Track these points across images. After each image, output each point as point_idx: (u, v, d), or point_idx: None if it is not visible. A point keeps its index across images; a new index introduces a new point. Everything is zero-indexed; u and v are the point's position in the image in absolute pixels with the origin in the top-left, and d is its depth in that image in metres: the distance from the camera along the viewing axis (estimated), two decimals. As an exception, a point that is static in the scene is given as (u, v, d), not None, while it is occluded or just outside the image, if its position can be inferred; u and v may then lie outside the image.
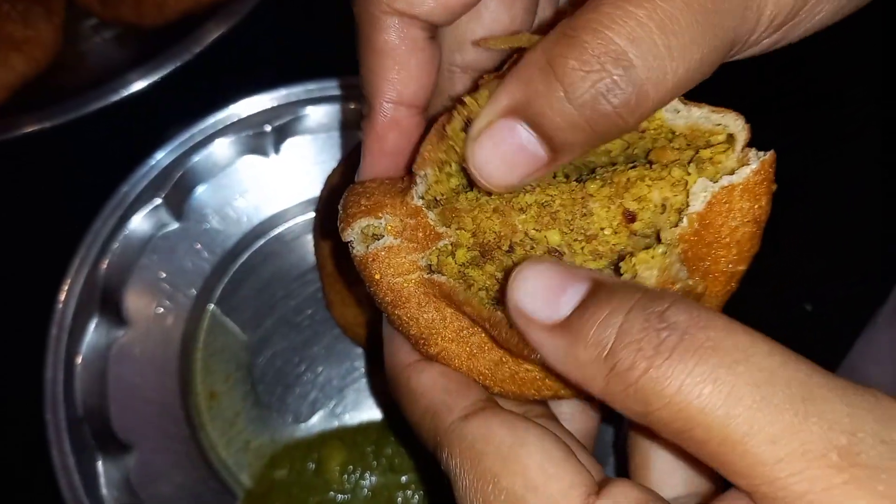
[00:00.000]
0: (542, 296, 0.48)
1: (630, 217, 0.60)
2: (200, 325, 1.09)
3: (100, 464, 0.99)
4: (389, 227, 0.59)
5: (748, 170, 0.55)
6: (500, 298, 0.57)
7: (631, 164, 0.61)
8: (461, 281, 0.59)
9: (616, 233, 0.60)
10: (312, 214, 1.12)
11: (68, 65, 1.23)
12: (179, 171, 1.09)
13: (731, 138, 0.57)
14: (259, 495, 1.02)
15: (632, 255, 0.56)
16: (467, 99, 0.56)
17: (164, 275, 1.09)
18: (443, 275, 0.59)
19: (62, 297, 1.01)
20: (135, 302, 1.07)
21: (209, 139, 1.10)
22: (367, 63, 0.60)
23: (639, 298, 0.44)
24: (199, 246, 1.11)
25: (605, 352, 0.43)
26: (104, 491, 0.98)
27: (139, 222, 1.08)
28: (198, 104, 1.11)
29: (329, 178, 1.08)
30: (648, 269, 0.55)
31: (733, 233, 0.56)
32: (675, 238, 0.56)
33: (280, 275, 1.12)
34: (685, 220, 0.56)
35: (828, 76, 1.28)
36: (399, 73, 0.60)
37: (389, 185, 0.63)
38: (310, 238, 1.11)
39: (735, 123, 0.57)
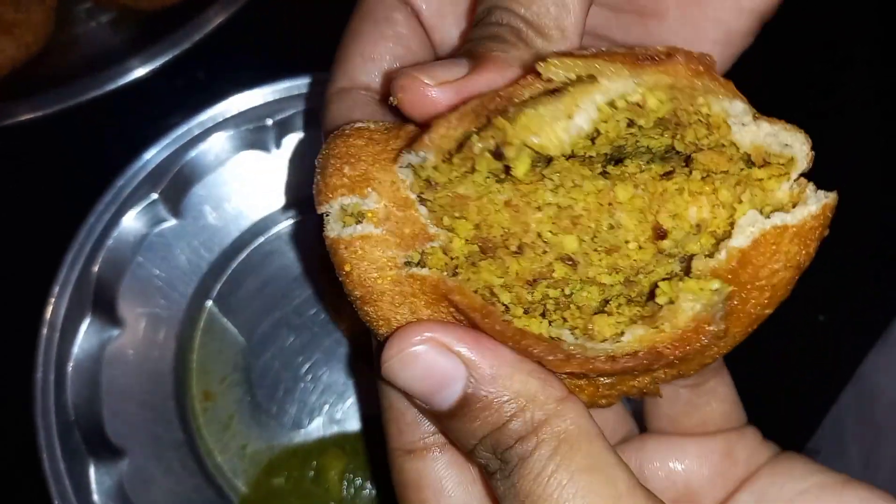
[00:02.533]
0: (424, 386, 0.51)
1: (661, 234, 0.54)
2: (196, 325, 1.06)
3: (92, 470, 0.96)
4: (371, 215, 0.52)
5: (807, 211, 0.50)
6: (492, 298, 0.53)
7: (667, 170, 0.55)
8: (450, 274, 0.53)
9: (641, 248, 0.55)
10: (315, 212, 1.08)
11: (61, 50, 1.18)
12: (176, 165, 1.05)
13: (790, 162, 0.52)
14: (256, 502, 0.99)
15: (679, 278, 0.52)
16: (503, 125, 0.50)
17: (160, 273, 1.05)
18: (426, 268, 0.53)
19: (53, 296, 0.97)
20: (129, 302, 1.03)
21: (207, 133, 1.06)
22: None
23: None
24: (196, 244, 1.07)
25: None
26: (96, 497, 0.95)
27: (134, 219, 1.04)
28: (196, 95, 1.07)
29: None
30: (693, 301, 0.51)
31: (772, 276, 0.51)
32: (708, 270, 0.51)
33: (280, 274, 1.09)
34: (724, 252, 0.51)
35: (841, 85, 1.26)
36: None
37: (380, 145, 0.56)
38: (311, 236, 1.08)
39: (801, 148, 0.51)
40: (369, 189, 0.54)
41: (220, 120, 1.06)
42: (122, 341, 1.02)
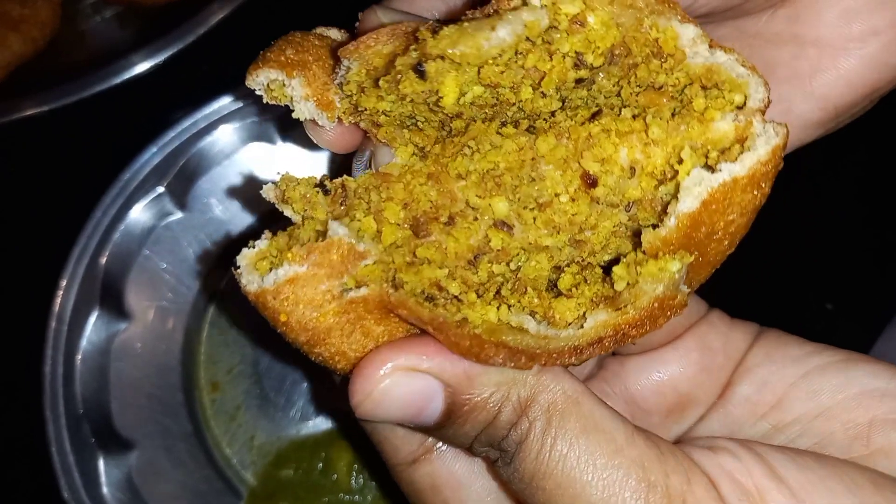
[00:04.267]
0: (405, 414, 0.51)
1: (591, 181, 0.52)
2: (204, 317, 1.06)
3: (101, 462, 0.96)
4: (291, 256, 0.48)
5: (755, 157, 0.47)
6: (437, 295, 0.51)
7: (593, 111, 0.52)
8: (390, 286, 0.50)
9: (574, 200, 0.53)
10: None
11: (67, 45, 1.18)
12: (182, 158, 1.05)
13: (738, 93, 0.49)
14: (264, 495, 0.99)
15: (638, 264, 0.49)
16: (426, 35, 0.47)
17: (167, 266, 1.05)
18: (366, 286, 0.49)
19: (61, 289, 0.97)
20: (136, 294, 1.03)
21: (213, 126, 1.06)
22: None
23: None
24: (202, 236, 1.07)
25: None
26: (105, 490, 0.95)
27: (141, 212, 1.04)
28: (202, 89, 1.06)
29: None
30: (655, 283, 0.49)
31: (728, 226, 0.49)
32: (660, 241, 0.48)
33: (286, 267, 1.08)
34: (673, 219, 0.48)
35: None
36: None
37: (325, 51, 0.54)
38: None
39: (756, 85, 0.49)
40: (299, 74, 0.52)
41: (226, 113, 1.06)
42: (129, 334, 1.02)
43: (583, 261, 0.54)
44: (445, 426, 0.51)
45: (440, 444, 0.57)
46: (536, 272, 0.53)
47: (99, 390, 0.99)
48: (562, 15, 0.47)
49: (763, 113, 0.49)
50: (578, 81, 0.50)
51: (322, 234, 0.49)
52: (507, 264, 0.53)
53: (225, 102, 1.05)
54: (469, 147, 0.53)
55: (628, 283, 0.49)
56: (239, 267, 0.50)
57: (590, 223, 0.53)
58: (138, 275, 1.04)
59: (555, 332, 0.50)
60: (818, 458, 0.51)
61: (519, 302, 0.51)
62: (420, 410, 0.50)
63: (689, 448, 0.51)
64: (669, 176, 0.50)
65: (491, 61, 0.47)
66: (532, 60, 0.48)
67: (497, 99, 0.51)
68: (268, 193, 0.52)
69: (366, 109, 0.53)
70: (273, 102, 0.53)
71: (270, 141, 1.09)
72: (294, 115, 0.54)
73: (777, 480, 0.48)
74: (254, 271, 0.50)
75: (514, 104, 0.52)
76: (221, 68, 1.11)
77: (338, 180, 0.51)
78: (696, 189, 0.47)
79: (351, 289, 0.49)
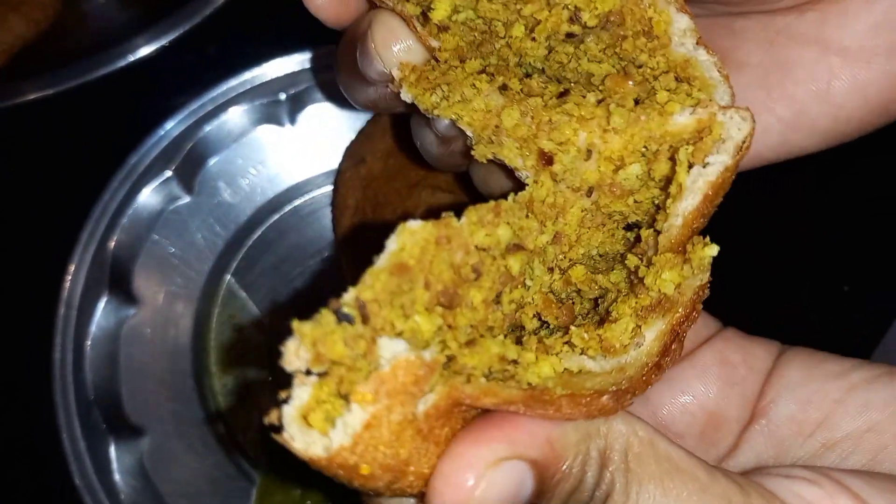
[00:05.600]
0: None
1: (547, 159, 0.53)
2: (214, 301, 1.05)
3: (112, 448, 0.95)
4: (360, 396, 0.40)
5: (736, 143, 0.49)
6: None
7: (561, 90, 0.54)
8: (460, 378, 0.44)
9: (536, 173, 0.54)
10: (331, 187, 1.06)
11: (69, 27, 1.16)
12: (190, 141, 1.03)
13: (706, 90, 0.52)
14: (276, 481, 0.99)
15: (679, 264, 0.49)
16: None
17: (175, 251, 1.04)
18: (432, 392, 0.42)
19: (70, 275, 0.96)
20: (145, 279, 1.02)
21: (222, 108, 1.04)
22: None
23: None
24: (211, 221, 1.06)
25: None
26: (117, 476, 0.95)
27: (149, 196, 1.03)
28: (209, 70, 1.05)
29: (348, 149, 1.03)
30: (698, 275, 0.49)
31: (713, 209, 0.51)
32: (672, 242, 0.50)
33: (296, 251, 1.07)
34: (679, 218, 0.49)
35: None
36: None
37: None
38: (328, 212, 1.06)
39: (723, 95, 0.51)
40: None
41: (233, 95, 1.04)
42: (139, 319, 1.01)
43: (564, 257, 0.54)
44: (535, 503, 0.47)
45: None
46: (542, 282, 0.52)
47: (109, 376, 0.98)
48: None
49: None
50: (569, 36, 0.53)
51: (363, 356, 0.42)
52: (521, 285, 0.51)
53: (233, 84, 1.04)
54: (441, 89, 0.54)
55: (678, 285, 0.49)
56: (285, 429, 0.41)
57: (558, 204, 0.53)
58: (147, 260, 1.03)
59: (618, 359, 0.48)
60: (893, 479, 0.49)
61: (567, 345, 0.49)
62: (513, 500, 0.45)
63: (760, 478, 0.49)
64: (629, 163, 0.52)
65: None
66: (531, 9, 0.52)
67: (488, 28, 0.53)
68: (293, 361, 0.42)
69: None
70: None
71: (279, 123, 1.07)
72: None
73: None
74: (310, 430, 0.41)
75: (503, 38, 0.54)
76: (229, 50, 1.09)
77: (351, 297, 0.42)
78: (696, 185, 0.49)
79: (427, 393, 0.43)
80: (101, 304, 0.99)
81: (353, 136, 1.03)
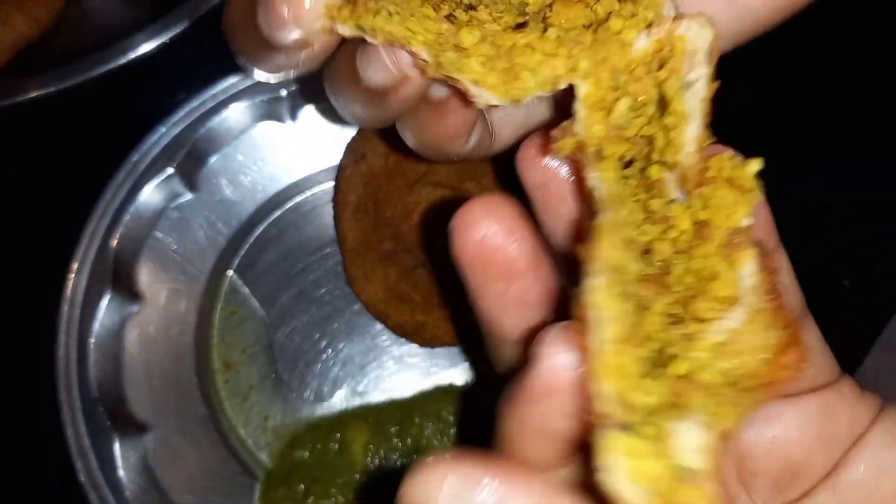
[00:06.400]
0: None
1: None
2: (217, 297, 1.06)
3: (116, 445, 0.96)
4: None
5: (705, 50, 0.46)
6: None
7: (518, 21, 0.50)
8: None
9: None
10: (332, 184, 1.06)
11: (71, 24, 1.16)
12: (192, 138, 1.03)
13: (655, 9, 0.48)
14: (280, 476, 0.99)
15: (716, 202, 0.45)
16: None
17: (178, 248, 1.04)
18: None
19: (73, 273, 0.97)
20: (148, 277, 1.03)
21: (223, 104, 1.04)
22: None
23: None
24: (213, 218, 1.06)
25: None
26: (122, 473, 0.95)
27: (150, 193, 1.03)
28: (209, 67, 1.05)
29: (349, 145, 1.03)
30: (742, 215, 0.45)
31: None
32: (694, 175, 0.45)
33: (298, 247, 1.08)
34: (693, 145, 0.45)
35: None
36: None
37: None
38: (329, 209, 1.06)
39: (670, 7, 0.47)
40: None
41: (234, 92, 1.04)
42: (142, 316, 1.01)
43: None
44: None
45: None
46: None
47: (113, 373, 0.98)
48: None
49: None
50: None
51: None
52: None
53: (234, 81, 1.04)
54: (387, 10, 0.49)
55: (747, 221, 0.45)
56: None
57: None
58: (149, 257, 1.03)
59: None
60: None
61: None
62: None
63: None
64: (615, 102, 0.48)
65: None
66: None
67: None
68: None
69: None
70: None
71: (281, 119, 1.07)
72: None
73: None
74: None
75: None
76: (229, 46, 1.09)
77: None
78: (693, 105, 0.46)
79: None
80: (105, 302, 0.99)
81: (353, 132, 1.03)
